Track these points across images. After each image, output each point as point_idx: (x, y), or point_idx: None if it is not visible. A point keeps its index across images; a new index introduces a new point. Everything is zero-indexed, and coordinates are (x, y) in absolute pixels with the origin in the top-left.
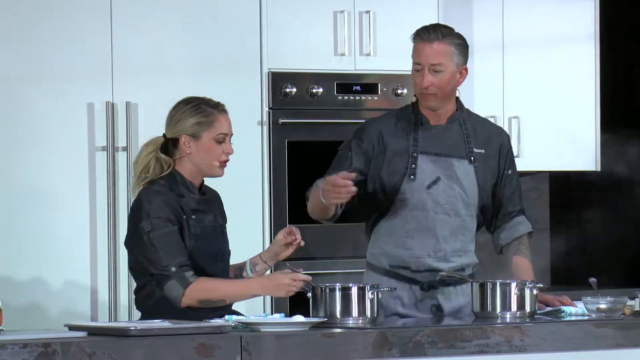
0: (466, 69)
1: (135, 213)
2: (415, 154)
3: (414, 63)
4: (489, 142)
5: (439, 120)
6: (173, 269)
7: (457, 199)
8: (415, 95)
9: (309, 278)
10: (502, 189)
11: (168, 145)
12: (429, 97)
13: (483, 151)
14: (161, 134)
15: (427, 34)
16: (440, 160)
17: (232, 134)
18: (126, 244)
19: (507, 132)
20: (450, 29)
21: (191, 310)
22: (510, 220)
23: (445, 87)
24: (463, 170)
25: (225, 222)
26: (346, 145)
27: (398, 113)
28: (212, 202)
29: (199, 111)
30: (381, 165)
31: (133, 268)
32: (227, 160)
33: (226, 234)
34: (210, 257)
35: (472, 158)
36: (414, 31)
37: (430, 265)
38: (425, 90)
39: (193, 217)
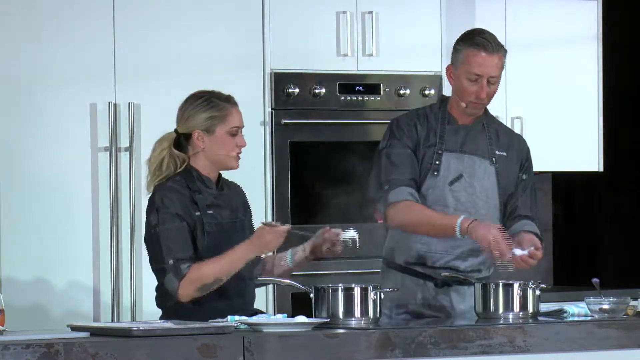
0: None
1: (148, 208)
2: (440, 151)
3: (471, 73)
4: (510, 147)
5: (465, 120)
6: (170, 261)
7: (478, 198)
8: (442, 96)
9: (289, 227)
10: (515, 192)
11: (180, 140)
12: (479, 107)
13: (505, 154)
14: (165, 132)
15: (489, 46)
16: (465, 158)
17: (243, 126)
18: (144, 240)
19: None
20: (495, 36)
21: (210, 311)
22: (518, 221)
23: (493, 97)
24: (484, 170)
25: (249, 216)
26: (391, 149)
27: (426, 110)
28: (231, 197)
29: (212, 105)
30: (417, 159)
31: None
32: (240, 153)
33: (249, 228)
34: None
35: (494, 159)
36: (463, 36)
37: (446, 262)
38: (481, 101)
39: (209, 212)
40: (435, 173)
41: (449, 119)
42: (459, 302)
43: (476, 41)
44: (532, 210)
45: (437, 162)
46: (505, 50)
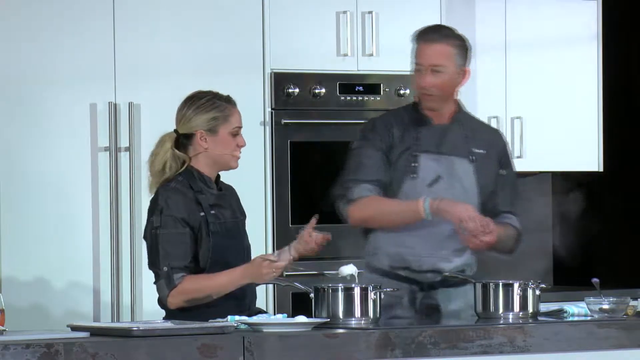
0: (468, 71)
1: (150, 209)
2: (417, 153)
3: (415, 63)
4: (489, 145)
5: (441, 120)
6: (165, 269)
7: (458, 198)
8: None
9: (284, 264)
10: (495, 189)
11: (181, 141)
12: (429, 98)
13: (483, 152)
14: (164, 133)
15: (428, 35)
16: (442, 158)
17: (242, 126)
18: (143, 237)
19: (510, 133)
20: (451, 30)
21: (212, 311)
22: (498, 217)
23: (446, 88)
24: (463, 170)
25: (245, 217)
26: (360, 149)
27: (402, 111)
28: (229, 197)
29: (215, 106)
30: (390, 161)
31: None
32: (240, 153)
33: (245, 228)
34: (235, 251)
35: (472, 157)
36: (415, 31)
37: (431, 264)
38: (425, 91)
39: (212, 212)
40: (413, 175)
41: (424, 119)
42: (447, 303)
43: (419, 32)
44: (513, 206)
45: (414, 165)
46: (461, 42)
